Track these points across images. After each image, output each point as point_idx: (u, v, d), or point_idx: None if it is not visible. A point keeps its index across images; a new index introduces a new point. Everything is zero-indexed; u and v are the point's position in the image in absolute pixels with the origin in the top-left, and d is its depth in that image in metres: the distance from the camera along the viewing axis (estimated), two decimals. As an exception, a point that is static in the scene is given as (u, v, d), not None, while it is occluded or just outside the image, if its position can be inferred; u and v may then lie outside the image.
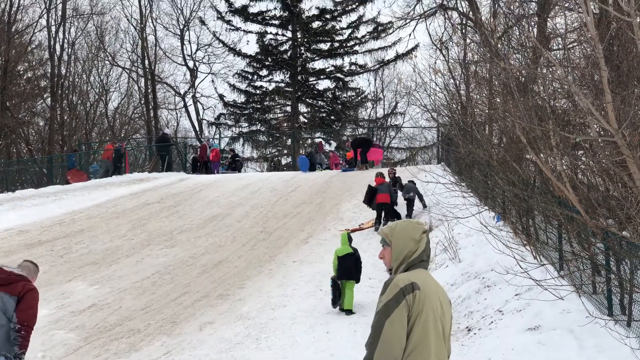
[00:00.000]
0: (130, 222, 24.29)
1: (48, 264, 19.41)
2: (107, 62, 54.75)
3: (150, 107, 54.36)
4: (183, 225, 23.75)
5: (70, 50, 51.94)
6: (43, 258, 20.01)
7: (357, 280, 15.01)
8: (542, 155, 11.04)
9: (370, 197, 22.50)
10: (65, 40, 51.39)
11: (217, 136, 49.88)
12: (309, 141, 52.59)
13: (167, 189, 30.03)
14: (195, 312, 15.22)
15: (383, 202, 22.05)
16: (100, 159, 36.04)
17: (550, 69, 12.77)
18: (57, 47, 50.59)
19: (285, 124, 53.64)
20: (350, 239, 15.39)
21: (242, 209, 25.71)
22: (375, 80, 55.54)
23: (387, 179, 23.56)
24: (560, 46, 16.74)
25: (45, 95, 51.24)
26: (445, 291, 4.77)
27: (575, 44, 14.88)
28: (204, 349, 12.76)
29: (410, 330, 4.44)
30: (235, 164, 37.75)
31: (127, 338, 13.65)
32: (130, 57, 55.43)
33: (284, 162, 52.15)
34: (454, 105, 21.05)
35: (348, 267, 14.91)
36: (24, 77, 50.29)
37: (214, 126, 54.61)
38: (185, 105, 57.32)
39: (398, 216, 22.56)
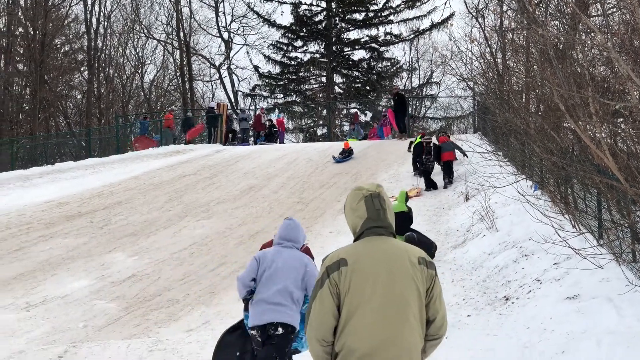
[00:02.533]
0: (168, 194, 24.45)
1: (88, 236, 19.63)
2: (142, 34, 54.98)
3: (186, 79, 54.50)
4: (220, 196, 23.86)
5: (106, 23, 52.24)
6: (83, 229, 20.24)
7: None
8: (580, 122, 10.91)
9: (437, 155, 23.27)
10: (101, 14, 51.69)
11: (253, 107, 49.92)
12: (344, 112, 52.48)
13: (204, 161, 30.15)
14: (232, 282, 15.23)
15: (449, 159, 23.01)
16: (162, 129, 36.29)
17: (589, 36, 12.59)
18: (94, 21, 50.92)
19: (320, 95, 53.53)
20: (407, 198, 15.64)
21: (279, 180, 25.76)
22: (410, 49, 55.13)
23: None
24: (599, 12, 16.49)
25: (82, 69, 51.62)
26: (410, 253, 4.44)
27: (614, 9, 14.64)
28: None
29: (342, 308, 4.32)
30: (272, 135, 37.79)
31: (166, 308, 13.78)
32: (166, 30, 55.61)
33: (319, 132, 52.11)
34: (490, 73, 20.86)
35: (398, 225, 14.91)
36: (61, 51, 50.67)
37: (249, 97, 54.69)
38: (220, 77, 57.44)
39: (434, 186, 22.68)
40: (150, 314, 13.46)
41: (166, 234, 19.58)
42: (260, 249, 9.59)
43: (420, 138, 24.37)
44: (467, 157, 22.85)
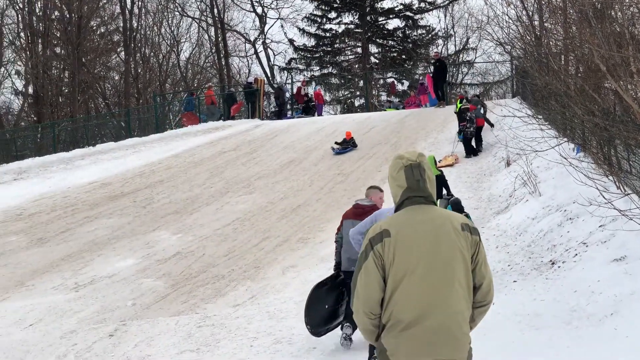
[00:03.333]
0: (208, 171, 24.58)
1: (132, 215, 19.83)
2: (176, 13, 55.01)
3: (222, 55, 54.53)
4: (260, 171, 23.93)
5: (140, 3, 52.31)
6: (126, 209, 20.45)
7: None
8: (622, 82, 10.76)
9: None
10: (135, -7, 51.76)
11: (290, 81, 49.89)
12: (381, 82, 52.24)
13: (243, 136, 30.23)
14: (277, 256, 15.39)
15: (479, 125, 23.58)
16: (206, 106, 36.47)
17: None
18: (128, 1, 51.01)
19: (356, 66, 53.31)
20: (435, 162, 15.71)
21: (318, 152, 25.76)
22: (445, 16, 54.60)
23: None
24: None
25: (118, 50, 51.84)
26: (452, 220, 4.40)
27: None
28: (288, 292, 12.91)
29: (387, 279, 4.30)
30: (309, 108, 37.75)
31: (212, 284, 13.89)
32: (200, 7, 55.58)
33: (357, 103, 51.95)
34: (527, 36, 20.59)
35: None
36: (98, 33, 50.91)
37: (285, 71, 54.60)
38: (256, 52, 57.38)
39: (475, 152, 22.62)
40: (196, 291, 13.58)
41: (209, 211, 19.70)
42: (343, 218, 9.86)
43: (460, 103, 24.30)
44: (493, 126, 23.68)
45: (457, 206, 13.55)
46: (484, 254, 4.49)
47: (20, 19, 47.55)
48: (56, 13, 47.21)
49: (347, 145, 25.21)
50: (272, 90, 40.99)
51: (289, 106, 39.71)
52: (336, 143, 25.59)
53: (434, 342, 4.23)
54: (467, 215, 13.07)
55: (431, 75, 33.96)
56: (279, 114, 36.98)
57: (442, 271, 4.28)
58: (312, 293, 9.80)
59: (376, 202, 9.55)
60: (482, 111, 24.23)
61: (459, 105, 24.30)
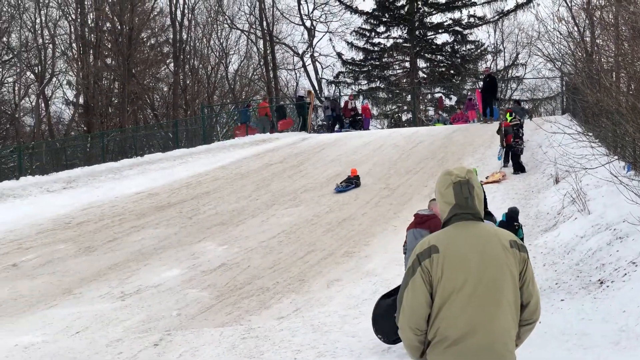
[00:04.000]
0: (255, 183, 24.67)
1: (178, 226, 19.95)
2: (226, 25, 55.42)
3: (270, 68, 54.82)
4: (306, 184, 23.96)
5: (190, 15, 52.81)
6: (173, 220, 20.58)
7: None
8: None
9: (503, 138, 23.76)
10: (186, 6, 52.25)
11: (337, 94, 49.94)
12: (429, 96, 52.10)
13: (289, 149, 30.31)
14: (322, 269, 15.38)
15: (509, 143, 23.49)
16: (258, 117, 36.72)
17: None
18: (178, 13, 51.55)
19: (404, 80, 53.23)
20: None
21: (365, 166, 25.73)
22: (495, 31, 54.33)
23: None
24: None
25: (168, 61, 52.36)
26: (501, 237, 4.36)
27: None
28: (332, 306, 12.89)
29: (435, 295, 4.27)
30: (356, 122, 37.76)
31: (257, 296, 13.91)
32: (249, 19, 55.94)
33: (404, 118, 51.85)
34: (578, 52, 20.41)
35: None
36: (148, 44, 51.48)
37: (333, 85, 54.71)
38: (304, 65, 57.57)
39: (522, 169, 22.45)
40: (241, 302, 13.61)
41: (254, 223, 19.76)
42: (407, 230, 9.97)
43: (510, 116, 24.18)
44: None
45: (513, 214, 13.39)
46: (532, 272, 4.45)
47: (72, 30, 48.28)
48: (108, 25, 47.85)
49: (350, 182, 23.02)
50: (319, 104, 41.04)
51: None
52: (342, 182, 23.28)
53: None
54: (520, 226, 12.92)
55: (480, 90, 33.80)
56: (333, 126, 37.04)
57: (490, 288, 4.24)
58: (380, 303, 10.02)
59: (437, 212, 9.54)
60: (523, 120, 24.21)
61: (509, 119, 24.15)
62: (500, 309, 4.25)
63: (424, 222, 9.44)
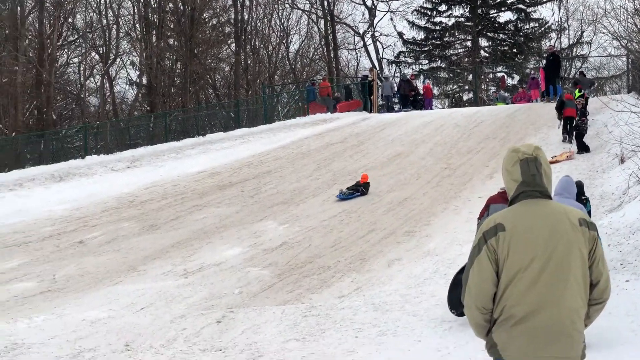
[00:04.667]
0: (315, 162, 24.72)
1: (239, 205, 20.11)
2: (287, 5, 55.50)
3: (331, 48, 54.77)
4: (367, 164, 23.94)
5: (251, -5, 53.00)
6: (234, 199, 20.75)
7: None
8: None
9: (560, 109, 24.03)
10: (247, -14, 52.45)
11: (397, 74, 49.71)
12: (491, 76, 51.56)
13: (350, 129, 30.28)
14: (382, 249, 15.39)
15: (569, 115, 23.47)
16: (320, 97, 36.80)
17: None
18: (239, -7, 51.75)
19: (465, 60, 52.75)
20: None
21: (425, 146, 25.62)
22: (559, 9, 53.44)
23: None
24: None
25: (229, 41, 52.65)
26: (570, 215, 4.29)
27: None
28: (393, 285, 12.89)
29: (501, 273, 4.23)
30: (417, 102, 37.57)
31: (318, 275, 13.98)
32: (310, -1, 55.94)
33: (465, 98, 51.43)
34: (646, 30, 19.97)
35: None
36: (209, 25, 51.81)
37: (394, 64, 54.49)
38: (364, 45, 57.44)
39: (587, 149, 22.11)
40: (302, 281, 13.69)
41: (315, 202, 19.83)
42: (490, 202, 9.90)
43: (578, 92, 24.03)
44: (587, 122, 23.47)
45: (579, 188, 13.19)
46: (602, 251, 4.37)
47: (135, 10, 48.85)
48: (170, 5, 48.25)
49: (356, 190, 20.29)
50: (380, 84, 40.93)
51: (396, 100, 39.65)
52: (347, 188, 20.50)
53: (546, 339, 4.17)
54: (587, 200, 12.74)
55: (544, 69, 33.34)
56: (404, 105, 36.97)
57: (558, 267, 4.19)
58: (455, 277, 10.13)
59: None
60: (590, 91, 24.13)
61: (577, 94, 23.96)
62: (568, 288, 4.20)
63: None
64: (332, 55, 54.74)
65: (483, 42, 53.43)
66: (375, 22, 56.83)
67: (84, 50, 49.56)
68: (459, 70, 51.81)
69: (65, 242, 17.60)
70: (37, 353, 10.13)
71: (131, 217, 19.55)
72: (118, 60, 50.04)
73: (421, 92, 38.76)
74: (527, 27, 52.57)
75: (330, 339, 10.25)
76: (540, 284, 4.18)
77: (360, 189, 20.30)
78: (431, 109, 38.12)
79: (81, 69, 50.76)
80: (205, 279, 14.04)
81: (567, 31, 53.68)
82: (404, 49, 54.17)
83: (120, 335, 10.87)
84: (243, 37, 51.66)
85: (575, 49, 51.99)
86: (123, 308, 12.41)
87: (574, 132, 22.85)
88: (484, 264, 4.27)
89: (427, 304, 11.39)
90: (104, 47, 48.44)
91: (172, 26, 48.67)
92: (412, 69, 52.46)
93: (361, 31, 57.32)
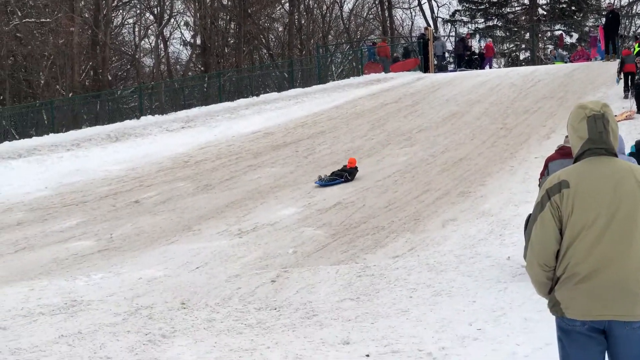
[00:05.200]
0: (369, 123, 24.61)
1: (294, 165, 20.13)
2: (341, -37, 55.09)
3: (385, 7, 54.28)
4: (421, 124, 23.77)
5: (305, -46, 52.68)
6: (289, 159, 20.78)
7: None
8: None
9: (621, 67, 23.93)
10: (300, -57, 52.13)
11: (453, 33, 49.13)
12: (548, 34, 50.69)
13: (404, 89, 30.06)
14: (437, 209, 15.28)
15: (629, 71, 23.46)
16: (378, 57, 36.64)
17: None
18: (294, -49, 51.48)
19: (523, 18, 51.88)
20: None
21: (481, 106, 25.33)
22: (619, -36, 52.16)
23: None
24: None
25: (283, 1, 52.45)
26: (636, 172, 4.21)
27: None
28: (448, 245, 12.81)
29: (564, 231, 4.16)
30: (472, 61, 37.13)
31: (372, 235, 13.95)
32: (365, -43, 55.46)
33: (522, 57, 50.66)
34: None
35: None
36: (263, -16, 51.68)
37: (449, 23, 53.84)
38: (419, 4, 56.82)
39: None
40: (356, 241, 13.67)
41: (369, 162, 19.75)
42: (548, 161, 9.71)
43: (638, 46, 23.68)
44: None
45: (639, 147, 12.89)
46: None
47: (190, -30, 48.85)
48: (224, -36, 48.20)
49: (339, 176, 18.22)
50: (434, 42, 40.54)
51: (450, 59, 39.26)
52: (332, 173, 18.51)
53: (610, 297, 4.11)
54: None
55: (603, 27, 32.69)
56: (459, 65, 36.63)
57: (622, 225, 4.12)
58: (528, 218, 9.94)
59: None
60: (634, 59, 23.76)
61: (637, 49, 23.62)
62: (633, 246, 4.12)
63: (568, 155, 9.14)
64: (387, 15, 54.27)
65: (541, 0, 52.47)
66: (430, -21, 56.16)
67: (138, 11, 49.86)
68: (515, 29, 50.98)
69: (121, 202, 17.83)
70: (95, 310, 10.28)
71: (186, 177, 19.71)
72: (172, 20, 50.27)
73: (477, 51, 38.26)
74: (587, -17, 51.50)
75: (385, 298, 10.23)
76: (604, 242, 4.11)
77: (345, 174, 18.21)
78: (490, 67, 37.65)
79: (136, 29, 51.16)
80: (260, 239, 14.10)
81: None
82: (459, 8, 53.46)
83: (176, 293, 10.97)
84: (297, -4, 51.46)
85: (635, 7, 50.79)
86: (179, 267, 12.54)
87: (634, 92, 22.41)
88: (547, 221, 4.21)
89: (482, 264, 11.29)
90: (158, 8, 48.62)
91: (226, -14, 48.65)
92: (468, 27, 51.76)
93: (416, -11, 56.72)
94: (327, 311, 9.87)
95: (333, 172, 18.44)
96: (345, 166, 18.69)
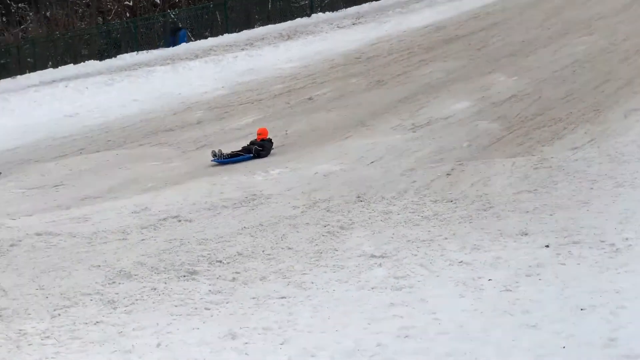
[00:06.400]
0: (545, 12, 23.72)
1: (466, 58, 19.78)
2: None
3: None
4: (601, 11, 22.67)
5: None
6: (461, 52, 20.43)
7: None
8: None
9: None
10: None
11: None
12: None
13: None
14: (618, 99, 14.67)
15: None
16: None
17: None
18: None
19: None
20: None
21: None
22: None
23: None
24: None
25: None
26: None
27: None
28: (631, 136, 12.29)
29: None
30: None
31: (549, 127, 13.58)
32: None
33: None
34: None
35: None
36: None
37: None
38: None
39: None
40: (532, 133, 13.37)
41: (546, 53, 19.10)
42: None
43: None
44: None
45: None
46: None
47: None
48: None
49: (249, 149, 14.11)
50: None
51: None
52: (243, 148, 14.31)
53: None
54: None
55: None
56: None
57: None
58: None
59: None
60: None
61: None
62: None
63: None
64: None
65: None
66: None
67: None
68: None
69: (295, 99, 18.14)
70: (275, 203, 10.63)
71: (358, 73, 19.75)
72: None
73: None
74: None
75: (564, 190, 10.03)
76: None
77: (254, 147, 14.09)
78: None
79: None
80: (434, 133, 14.03)
81: None
82: None
83: (352, 187, 11.15)
84: None
85: None
86: (354, 162, 12.69)
87: None
88: None
89: (668, 153, 10.86)
90: None
91: None
92: None
93: None
94: (503, 203, 9.81)
95: (244, 147, 14.31)
96: (254, 140, 14.46)
